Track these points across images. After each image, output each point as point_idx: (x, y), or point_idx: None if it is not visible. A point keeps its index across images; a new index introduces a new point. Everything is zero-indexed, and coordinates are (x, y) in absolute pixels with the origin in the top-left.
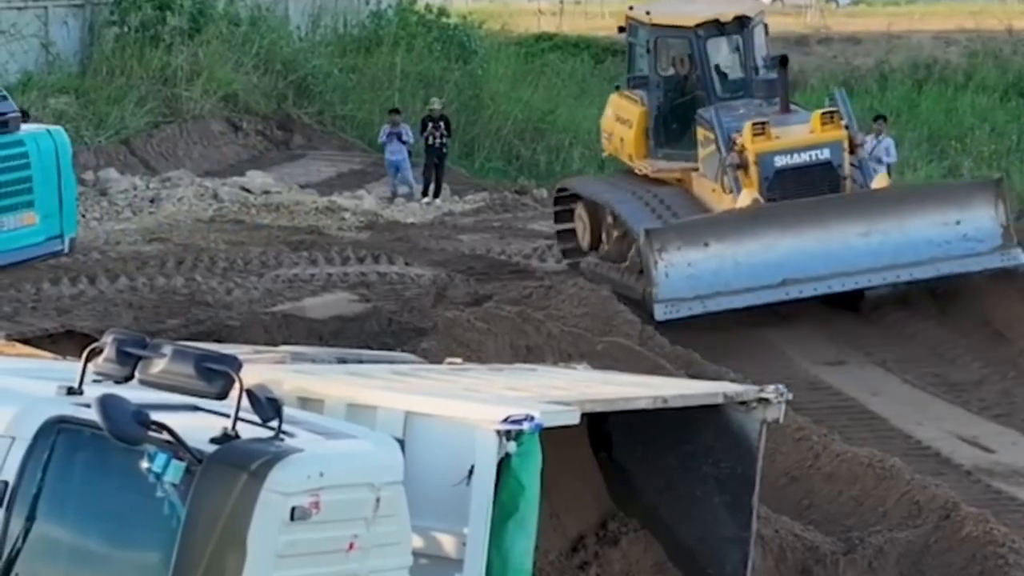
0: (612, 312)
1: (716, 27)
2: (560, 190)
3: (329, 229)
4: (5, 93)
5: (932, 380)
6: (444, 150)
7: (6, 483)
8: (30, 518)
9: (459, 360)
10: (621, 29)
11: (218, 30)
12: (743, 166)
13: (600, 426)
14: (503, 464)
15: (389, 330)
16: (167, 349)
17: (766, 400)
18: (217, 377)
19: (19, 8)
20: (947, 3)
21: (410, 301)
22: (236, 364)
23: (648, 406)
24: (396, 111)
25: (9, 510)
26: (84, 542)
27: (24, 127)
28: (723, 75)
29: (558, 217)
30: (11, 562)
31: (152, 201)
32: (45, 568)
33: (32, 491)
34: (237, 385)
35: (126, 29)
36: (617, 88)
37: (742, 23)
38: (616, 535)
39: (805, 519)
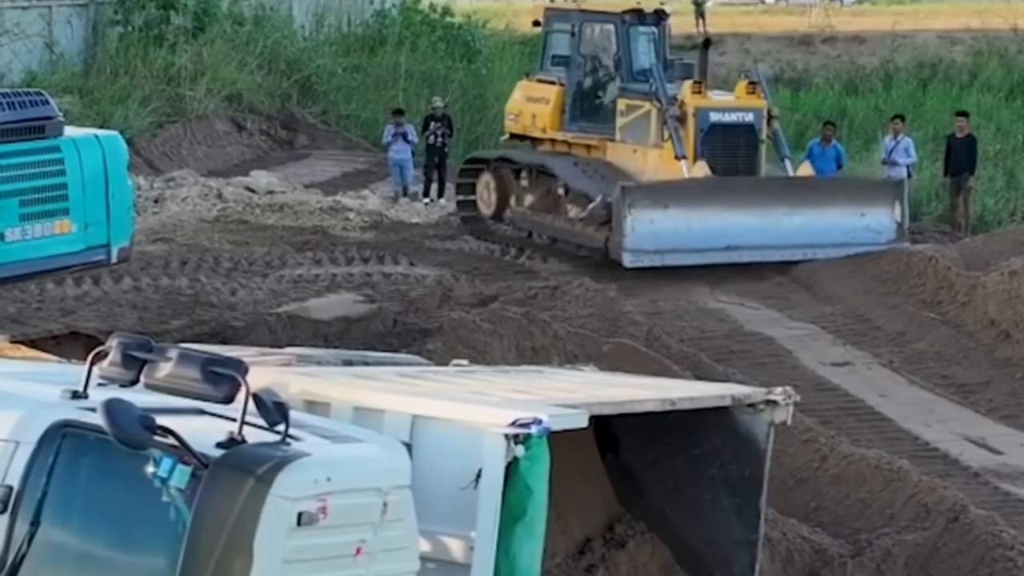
0: (618, 313)
1: (638, 16)
2: (469, 161)
3: (334, 229)
4: (46, 97)
5: (939, 381)
6: (446, 149)
7: (11, 488)
8: (35, 523)
9: (465, 362)
10: (536, 23)
11: (222, 29)
12: (682, 119)
13: (607, 428)
14: (511, 468)
15: (394, 331)
16: (173, 353)
17: (774, 402)
18: (223, 381)
19: (23, 7)
20: (952, 2)
21: (415, 302)
22: (242, 368)
23: (656, 408)
24: (400, 111)
25: (14, 515)
26: (89, 547)
27: (69, 132)
28: (638, 60)
29: (460, 189)
30: (16, 567)
31: (156, 201)
32: (50, 573)
33: (37, 496)
34: (243, 389)
35: (130, 28)
36: (527, 75)
37: (660, 17)
38: (623, 538)
39: (812, 521)
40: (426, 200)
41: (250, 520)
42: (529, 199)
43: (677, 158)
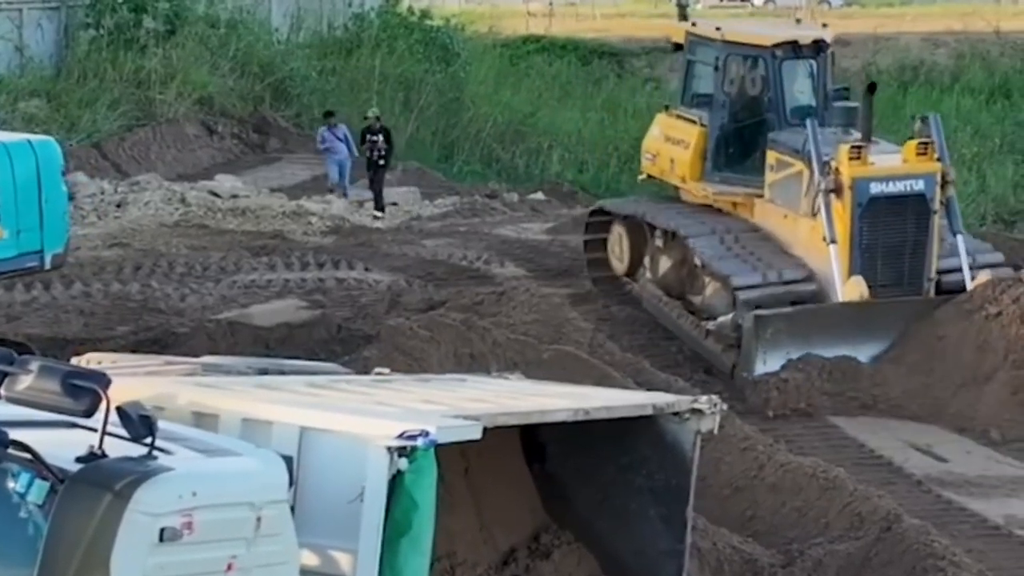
0: (563, 319)
1: (794, 49)
2: (595, 212)
3: (294, 234)
4: None
5: None
6: (381, 163)
7: None
8: None
9: (387, 370)
10: (677, 47)
11: (194, 32)
12: (837, 191)
13: (534, 437)
14: (396, 481)
15: (337, 337)
16: (34, 365)
17: (699, 411)
18: (83, 394)
19: None
20: (941, 4)
21: (364, 307)
22: (104, 380)
23: (568, 418)
24: (331, 113)
25: None
26: None
27: (1, 137)
28: (793, 100)
29: (589, 242)
30: None
31: (119, 206)
32: None
33: None
34: (104, 402)
35: (101, 31)
36: (666, 108)
37: (819, 47)
38: (549, 548)
39: (748, 530)
40: (379, 214)
41: (107, 536)
42: (664, 262)
43: (826, 241)
